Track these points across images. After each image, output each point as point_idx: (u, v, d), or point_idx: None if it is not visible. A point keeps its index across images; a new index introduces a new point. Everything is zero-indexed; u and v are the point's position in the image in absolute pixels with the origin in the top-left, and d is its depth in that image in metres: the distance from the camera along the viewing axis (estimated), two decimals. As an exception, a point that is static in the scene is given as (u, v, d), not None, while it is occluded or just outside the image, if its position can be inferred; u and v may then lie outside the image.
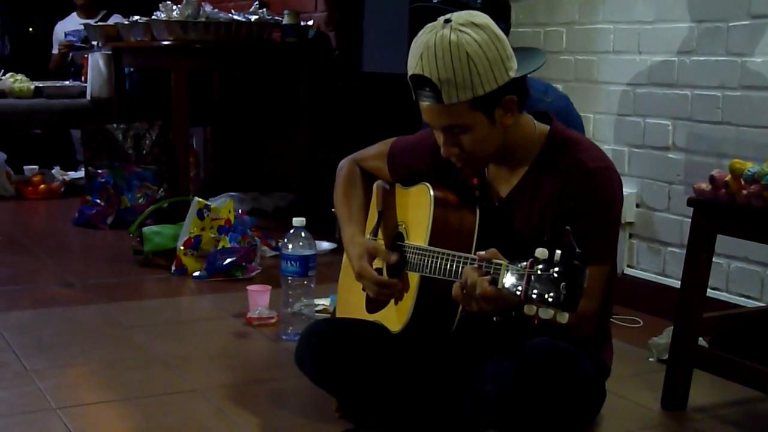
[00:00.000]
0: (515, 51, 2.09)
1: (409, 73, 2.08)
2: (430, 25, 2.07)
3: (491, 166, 2.23)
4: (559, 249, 1.71)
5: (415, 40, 2.08)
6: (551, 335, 2.06)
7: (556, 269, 1.71)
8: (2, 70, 6.38)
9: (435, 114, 2.08)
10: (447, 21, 2.04)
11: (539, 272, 1.73)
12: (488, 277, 1.89)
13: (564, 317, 1.72)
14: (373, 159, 2.50)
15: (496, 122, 2.09)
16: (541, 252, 1.74)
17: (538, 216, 2.15)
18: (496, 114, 2.08)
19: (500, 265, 1.87)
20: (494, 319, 1.95)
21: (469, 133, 2.08)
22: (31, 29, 8.49)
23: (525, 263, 1.77)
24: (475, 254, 1.99)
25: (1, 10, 7.24)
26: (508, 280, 1.82)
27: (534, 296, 1.73)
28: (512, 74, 2.06)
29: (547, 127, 2.20)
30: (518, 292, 1.77)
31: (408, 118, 3.10)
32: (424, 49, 2.03)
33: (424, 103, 2.08)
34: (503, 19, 2.75)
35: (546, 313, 1.72)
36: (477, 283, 1.90)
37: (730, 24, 3.24)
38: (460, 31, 2.01)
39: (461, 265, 2.01)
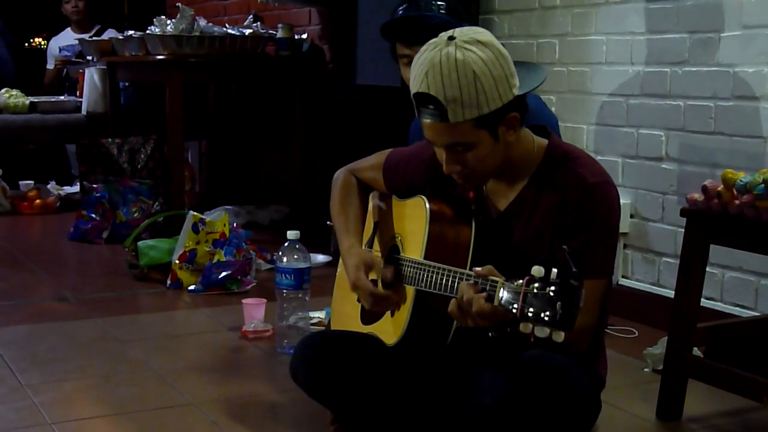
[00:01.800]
0: (515, 66, 2.09)
1: (413, 90, 2.06)
2: (432, 41, 2.05)
3: (490, 180, 2.23)
4: (555, 268, 1.72)
5: (416, 57, 2.07)
6: (546, 348, 2.06)
7: (553, 288, 1.71)
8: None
9: (438, 132, 2.07)
10: (451, 38, 2.03)
11: (535, 290, 1.73)
12: (484, 294, 1.89)
13: (560, 336, 1.72)
14: (368, 170, 2.50)
15: (500, 139, 2.09)
16: (537, 270, 1.74)
17: (536, 230, 2.15)
18: (500, 131, 2.08)
19: (496, 282, 1.87)
20: (489, 335, 1.95)
21: (472, 151, 2.08)
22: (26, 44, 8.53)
23: (521, 281, 1.77)
24: (471, 270, 1.99)
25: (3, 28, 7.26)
26: (504, 297, 1.82)
27: (530, 314, 1.73)
28: (515, 91, 2.05)
29: (545, 141, 2.20)
30: (514, 310, 1.77)
31: (402, 130, 3.10)
32: (430, 66, 2.01)
33: (427, 121, 2.06)
34: (467, 24, 2.77)
35: (542, 332, 1.72)
36: (473, 300, 1.90)
37: (722, 34, 3.25)
38: (465, 48, 2.00)
39: (457, 280, 2.01)
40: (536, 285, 1.73)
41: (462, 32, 2.04)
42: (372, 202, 2.51)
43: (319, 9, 5.45)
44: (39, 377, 2.88)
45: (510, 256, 2.06)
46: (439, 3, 2.85)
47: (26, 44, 9.04)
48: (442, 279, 2.06)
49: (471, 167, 2.11)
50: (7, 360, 3.03)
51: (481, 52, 2.00)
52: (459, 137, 2.06)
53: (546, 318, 1.71)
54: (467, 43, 2.01)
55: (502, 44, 2.09)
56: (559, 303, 1.69)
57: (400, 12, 2.91)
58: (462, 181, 2.18)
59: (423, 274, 2.13)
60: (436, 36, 2.06)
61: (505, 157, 2.13)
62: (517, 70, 2.09)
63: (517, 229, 2.18)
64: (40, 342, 3.24)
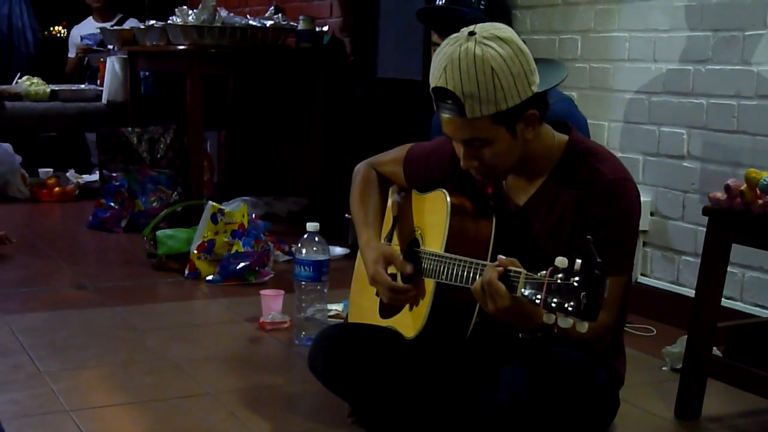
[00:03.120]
0: (537, 63, 2.09)
1: (432, 84, 2.07)
2: (453, 36, 2.05)
3: (510, 175, 2.23)
4: (579, 258, 1.71)
5: (437, 51, 2.07)
6: (566, 345, 2.06)
7: (577, 278, 1.71)
8: (18, 74, 6.41)
9: (456, 127, 2.07)
10: (471, 33, 2.03)
11: (559, 281, 1.73)
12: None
13: (584, 327, 1.72)
14: (389, 164, 2.50)
15: (518, 136, 2.08)
16: (560, 261, 1.74)
17: (555, 225, 2.14)
18: (518, 128, 2.07)
19: (519, 273, 1.87)
20: (520, 336, 1.96)
21: (490, 146, 2.08)
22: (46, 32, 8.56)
23: (545, 272, 1.77)
24: (492, 261, 1.99)
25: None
26: (527, 288, 1.82)
27: (553, 305, 1.73)
28: (534, 89, 2.05)
29: (565, 137, 2.20)
30: (537, 301, 1.77)
31: (422, 124, 3.10)
32: (448, 61, 2.01)
33: (446, 116, 2.06)
34: (504, 24, 2.75)
35: (565, 322, 1.72)
36: (495, 288, 1.90)
37: (747, 33, 3.23)
38: (484, 44, 2.00)
39: (478, 272, 2.01)
40: (560, 276, 1.74)
41: (483, 28, 2.04)
42: (391, 196, 2.51)
43: (341, 1, 5.45)
44: (57, 364, 2.90)
45: (528, 252, 2.06)
46: None
47: (46, 32, 9.06)
48: (463, 271, 2.06)
49: (488, 163, 2.11)
50: (26, 347, 3.04)
51: (501, 49, 2.00)
52: (476, 133, 2.06)
53: (570, 308, 1.71)
54: (487, 39, 2.00)
55: (524, 40, 2.08)
56: (583, 293, 1.69)
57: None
58: (480, 177, 2.17)
59: (443, 267, 2.13)
60: None
61: (523, 154, 2.13)
62: (538, 67, 2.08)
63: (535, 225, 2.17)
64: (59, 329, 3.25)
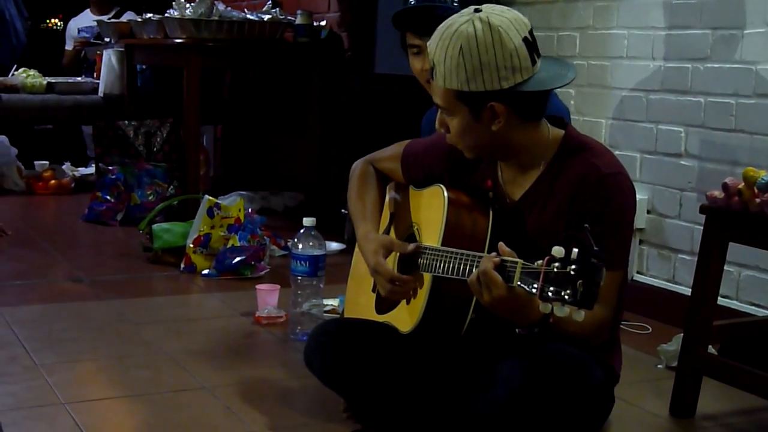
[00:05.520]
0: (546, 60, 2.09)
1: None
2: (469, 8, 2.08)
3: (505, 169, 2.23)
4: (576, 247, 1.71)
5: None
6: (563, 341, 2.06)
7: (573, 267, 1.71)
8: (15, 66, 6.40)
9: (432, 87, 2.15)
10: (477, 10, 2.05)
11: (555, 270, 1.73)
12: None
13: (580, 315, 1.71)
14: (387, 160, 2.50)
15: (483, 122, 2.09)
16: (557, 250, 1.74)
17: (550, 220, 2.14)
18: (483, 115, 2.08)
19: (516, 263, 1.87)
20: (517, 331, 1.96)
21: (454, 119, 2.12)
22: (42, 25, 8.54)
23: (540, 261, 1.77)
24: (489, 253, 1.99)
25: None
26: (524, 278, 1.82)
27: (550, 294, 1.73)
28: (505, 85, 2.03)
29: (561, 132, 2.19)
30: (534, 290, 1.77)
31: (419, 121, 3.09)
32: (442, 25, 2.07)
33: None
34: None
35: (561, 311, 1.72)
36: (491, 277, 1.89)
37: (745, 31, 3.23)
38: (473, 23, 2.02)
39: (474, 265, 2.01)
40: (556, 264, 1.73)
41: (489, 9, 2.06)
42: (389, 194, 2.51)
43: (339, -4, 5.44)
44: (53, 357, 2.89)
45: (524, 246, 2.05)
46: None
47: (42, 25, 9.04)
48: (459, 264, 2.06)
49: (453, 134, 2.14)
50: (22, 339, 3.04)
51: (482, 33, 2.01)
52: (442, 100, 2.11)
53: (566, 297, 1.70)
54: (479, 20, 2.03)
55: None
56: (579, 281, 1.69)
57: (413, 1, 2.88)
58: (452, 143, 2.20)
59: (440, 261, 2.13)
60: None
61: (495, 141, 2.12)
62: (546, 64, 2.09)
63: (531, 219, 2.17)
64: (55, 322, 3.25)
